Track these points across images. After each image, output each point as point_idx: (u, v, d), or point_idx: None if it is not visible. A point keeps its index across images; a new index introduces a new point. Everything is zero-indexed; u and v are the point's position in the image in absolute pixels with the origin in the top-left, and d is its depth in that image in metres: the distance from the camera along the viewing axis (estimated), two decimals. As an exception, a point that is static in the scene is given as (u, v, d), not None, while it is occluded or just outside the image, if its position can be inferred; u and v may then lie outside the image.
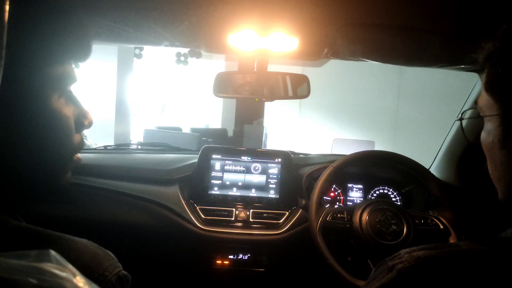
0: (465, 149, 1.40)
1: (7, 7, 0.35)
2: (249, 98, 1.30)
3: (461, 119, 0.67)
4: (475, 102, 0.56)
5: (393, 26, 0.91)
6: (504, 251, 0.47)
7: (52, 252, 0.31)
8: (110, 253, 0.50)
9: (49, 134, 0.51)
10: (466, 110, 0.65)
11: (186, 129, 4.57)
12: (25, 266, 0.29)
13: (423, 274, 0.47)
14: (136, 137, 5.43)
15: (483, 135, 0.56)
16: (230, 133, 4.72)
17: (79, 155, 0.60)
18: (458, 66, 1.05)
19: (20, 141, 0.48)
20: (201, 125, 6.46)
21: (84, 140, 0.61)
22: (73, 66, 0.56)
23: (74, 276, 0.30)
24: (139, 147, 1.80)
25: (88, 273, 0.38)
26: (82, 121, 0.58)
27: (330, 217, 1.16)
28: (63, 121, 0.53)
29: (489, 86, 0.52)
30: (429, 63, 1.06)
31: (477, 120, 0.58)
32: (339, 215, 1.16)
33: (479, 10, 0.82)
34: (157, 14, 0.95)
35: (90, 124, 0.59)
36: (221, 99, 5.82)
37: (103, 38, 1.03)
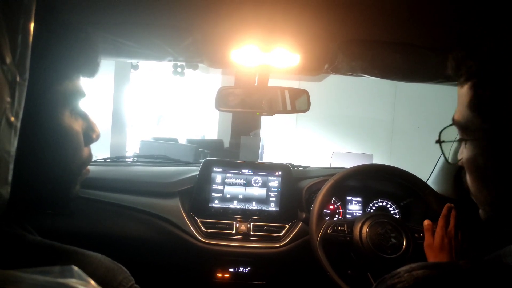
0: (462, 163, 1.41)
1: (31, 28, 0.37)
2: (249, 112, 1.32)
3: (440, 142, 0.67)
4: (452, 119, 0.56)
5: (393, 43, 0.93)
6: (502, 274, 0.47)
7: (75, 268, 0.32)
8: (122, 266, 0.51)
9: (59, 149, 0.52)
10: (446, 128, 0.64)
11: (182, 140, 4.57)
12: (51, 282, 0.29)
13: None
14: (132, 148, 5.41)
15: (463, 153, 0.55)
16: (226, 144, 4.73)
17: (88, 167, 0.60)
18: (455, 82, 1.08)
19: (32, 156, 0.48)
20: (197, 136, 6.46)
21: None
22: (82, 81, 0.57)
23: (98, 292, 0.31)
24: (136, 159, 1.80)
25: (103, 287, 0.39)
26: (90, 135, 0.58)
27: (330, 229, 1.16)
28: (73, 136, 0.54)
29: (471, 104, 0.51)
30: (427, 79, 1.08)
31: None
32: (339, 228, 1.17)
33: (476, 27, 0.85)
34: (162, 30, 0.97)
35: (98, 137, 0.60)
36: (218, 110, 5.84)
37: (108, 52, 1.05)
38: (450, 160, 0.65)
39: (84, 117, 0.58)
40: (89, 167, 0.61)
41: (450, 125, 0.59)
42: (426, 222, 1.12)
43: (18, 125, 0.35)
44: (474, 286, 0.46)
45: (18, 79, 0.35)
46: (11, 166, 0.34)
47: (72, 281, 0.30)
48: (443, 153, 0.65)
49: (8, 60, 0.33)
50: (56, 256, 0.45)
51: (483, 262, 0.50)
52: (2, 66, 0.33)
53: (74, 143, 0.54)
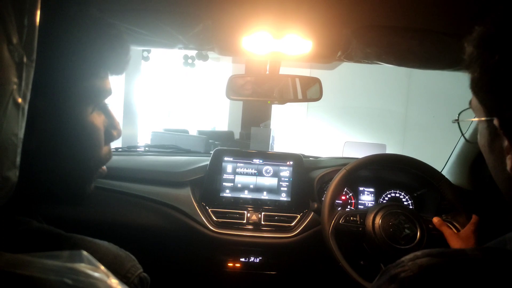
0: (479, 153, 1.38)
1: (38, 9, 0.36)
2: (259, 100, 1.30)
3: (458, 121, 0.68)
4: (469, 103, 0.55)
5: (410, 29, 0.90)
6: (506, 261, 0.45)
7: (84, 253, 0.31)
8: (130, 254, 0.50)
9: (78, 145, 0.51)
10: (464, 111, 0.66)
11: (193, 132, 4.58)
12: (60, 266, 0.29)
13: (426, 284, 0.45)
14: (143, 140, 5.45)
15: (478, 137, 0.55)
16: (237, 136, 4.72)
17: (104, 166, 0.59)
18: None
19: (51, 151, 0.48)
20: (208, 127, 6.48)
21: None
22: (110, 79, 0.56)
23: (108, 276, 0.30)
24: (147, 149, 1.80)
25: None
26: (111, 132, 0.57)
27: (343, 220, 1.15)
28: (94, 134, 0.53)
29: (473, 89, 0.51)
30: (446, 66, 1.05)
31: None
32: (352, 218, 1.16)
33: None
34: (172, 17, 0.95)
35: (119, 135, 0.59)
36: (228, 101, 5.84)
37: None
38: (468, 138, 0.67)
39: (107, 114, 0.56)
40: None
41: (467, 108, 0.59)
42: (435, 219, 1.13)
43: (26, 107, 0.34)
44: (479, 274, 0.45)
45: (25, 60, 0.34)
46: (19, 150, 0.34)
47: (81, 266, 0.29)
48: (461, 131, 0.66)
49: (15, 40, 0.32)
50: (62, 243, 0.44)
51: (488, 249, 0.48)
52: (8, 47, 0.32)
53: (94, 140, 0.53)
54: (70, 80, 0.48)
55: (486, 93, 0.49)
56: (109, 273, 0.31)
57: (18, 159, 0.33)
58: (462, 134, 0.70)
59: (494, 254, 0.47)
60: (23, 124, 0.34)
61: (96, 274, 0.29)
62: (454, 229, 1.11)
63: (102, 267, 0.31)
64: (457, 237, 1.06)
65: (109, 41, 0.52)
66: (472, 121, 0.65)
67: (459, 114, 0.66)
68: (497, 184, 0.54)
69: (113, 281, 0.30)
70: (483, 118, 0.51)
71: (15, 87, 0.32)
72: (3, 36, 0.31)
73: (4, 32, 0.31)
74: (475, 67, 0.48)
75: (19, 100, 0.33)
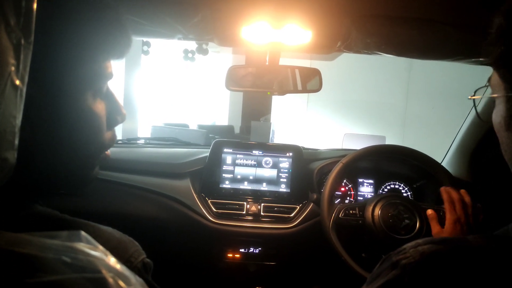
0: (478, 144, 1.38)
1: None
2: (258, 92, 1.30)
3: (473, 97, 0.67)
4: (488, 79, 0.55)
5: (410, 18, 0.90)
6: (509, 249, 0.45)
7: (83, 233, 0.32)
8: (133, 240, 0.51)
9: (78, 133, 0.50)
10: (480, 88, 0.65)
11: (193, 126, 4.58)
12: (58, 245, 0.29)
13: (428, 271, 0.45)
14: (144, 134, 5.44)
15: (493, 115, 0.55)
16: (237, 130, 4.72)
17: (109, 151, 0.58)
18: (475, 59, 1.04)
19: (46, 139, 0.47)
20: (208, 122, 6.47)
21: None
22: (111, 62, 0.54)
23: (106, 255, 0.30)
24: (147, 141, 1.80)
25: None
26: (115, 117, 0.56)
27: (342, 213, 1.15)
28: (93, 120, 0.51)
29: (495, 63, 0.51)
30: (445, 56, 1.05)
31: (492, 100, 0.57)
32: (351, 211, 1.16)
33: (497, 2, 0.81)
34: (170, 7, 0.95)
35: (123, 119, 0.57)
36: (228, 95, 5.83)
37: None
38: (482, 117, 0.66)
39: (109, 99, 0.55)
40: None
41: (485, 86, 0.59)
42: (429, 211, 1.09)
43: (24, 88, 0.34)
44: (481, 261, 0.45)
45: (22, 42, 0.34)
46: (18, 132, 0.34)
47: (80, 245, 0.30)
48: (475, 107, 0.66)
49: (12, 22, 0.32)
50: (66, 227, 0.44)
51: (491, 237, 0.48)
52: (6, 28, 0.32)
53: (94, 126, 0.51)
54: (65, 65, 0.46)
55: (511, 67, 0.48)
56: (107, 252, 0.32)
57: (16, 141, 0.34)
58: (476, 112, 0.69)
59: (497, 241, 0.47)
60: (22, 106, 0.34)
61: (94, 253, 0.30)
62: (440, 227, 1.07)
63: (101, 247, 0.32)
64: (441, 235, 1.01)
65: (107, 24, 0.50)
66: (482, 99, 0.64)
67: (475, 91, 0.65)
68: (510, 164, 0.53)
69: (111, 259, 0.31)
70: (505, 95, 0.50)
71: (13, 68, 0.32)
72: (1, 18, 0.31)
73: (1, 14, 0.31)
74: (501, 40, 0.48)
75: (17, 82, 0.33)
